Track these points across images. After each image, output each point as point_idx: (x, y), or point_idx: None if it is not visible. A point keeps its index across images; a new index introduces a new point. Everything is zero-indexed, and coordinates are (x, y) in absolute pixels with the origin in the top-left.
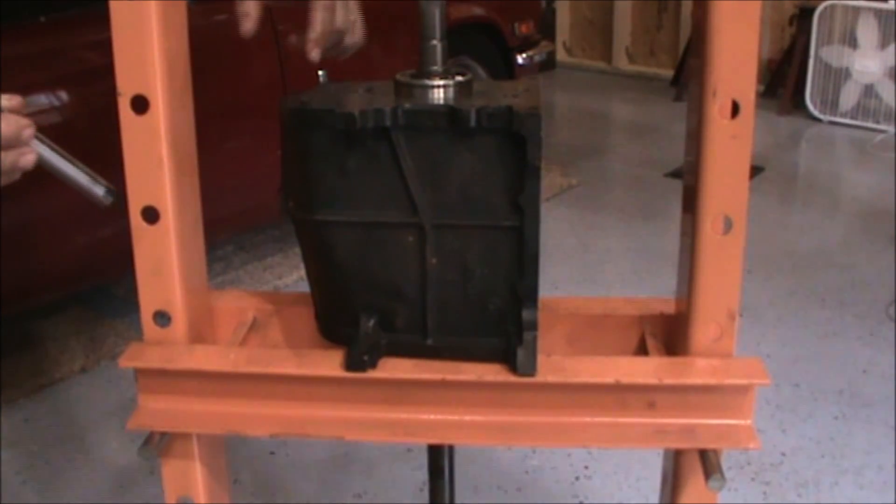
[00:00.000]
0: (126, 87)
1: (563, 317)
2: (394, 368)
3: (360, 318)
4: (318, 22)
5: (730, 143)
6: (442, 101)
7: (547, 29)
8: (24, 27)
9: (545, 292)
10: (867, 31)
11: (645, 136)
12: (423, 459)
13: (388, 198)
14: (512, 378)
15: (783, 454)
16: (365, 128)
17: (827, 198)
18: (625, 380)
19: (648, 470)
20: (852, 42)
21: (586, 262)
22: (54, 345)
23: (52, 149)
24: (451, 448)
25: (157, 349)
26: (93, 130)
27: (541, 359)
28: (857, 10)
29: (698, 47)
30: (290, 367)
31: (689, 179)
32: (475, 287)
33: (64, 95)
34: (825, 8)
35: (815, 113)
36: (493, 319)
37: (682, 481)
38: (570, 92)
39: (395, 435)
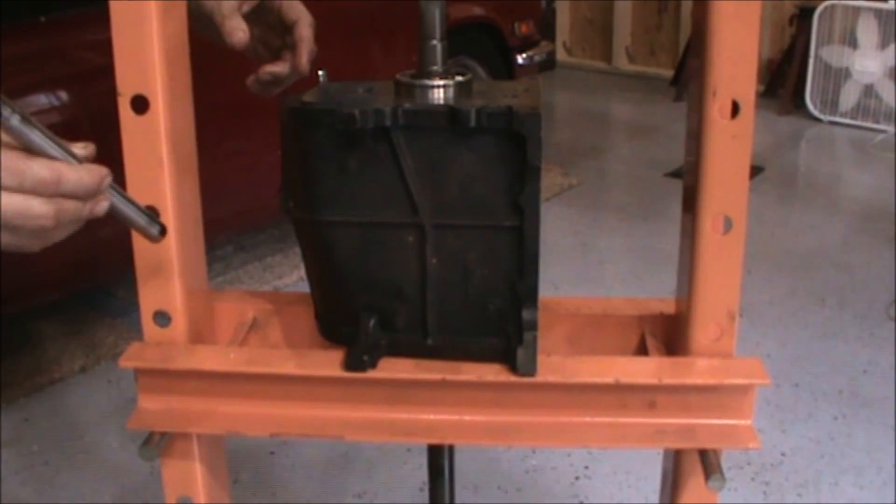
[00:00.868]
0: (126, 87)
1: (563, 317)
2: (394, 368)
3: (360, 318)
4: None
5: (730, 143)
6: (442, 101)
7: (547, 29)
8: (24, 27)
9: (545, 292)
10: (867, 31)
11: (645, 136)
12: (423, 459)
13: (388, 198)
14: (512, 378)
15: (783, 454)
16: (365, 128)
17: (827, 198)
18: (625, 380)
19: (648, 470)
20: (852, 42)
21: (586, 262)
22: (54, 345)
23: (118, 192)
24: (451, 448)
25: (157, 349)
26: (93, 130)
27: (541, 359)
28: (857, 10)
29: (698, 47)
30: (290, 367)
31: (689, 179)
32: (475, 287)
33: (64, 95)
34: (825, 8)
35: (815, 113)
36: (493, 319)
37: (682, 481)
38: (570, 92)
39: (395, 435)
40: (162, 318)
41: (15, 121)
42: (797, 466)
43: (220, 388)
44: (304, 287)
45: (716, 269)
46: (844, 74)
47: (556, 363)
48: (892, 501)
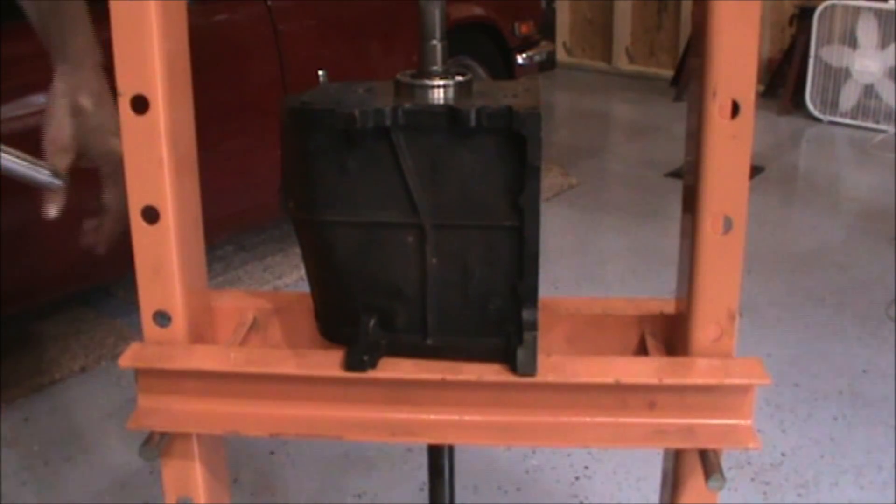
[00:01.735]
0: (126, 87)
1: (563, 317)
2: (394, 368)
3: (360, 318)
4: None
5: (730, 143)
6: (442, 101)
7: (547, 29)
8: (25, 27)
9: (545, 292)
10: (867, 31)
11: (645, 136)
12: (423, 459)
13: (388, 198)
14: (512, 378)
15: (783, 454)
16: (365, 128)
17: (827, 198)
18: (625, 380)
19: (648, 470)
20: (852, 42)
21: (586, 262)
22: (54, 345)
23: (7, 151)
24: (451, 448)
25: (157, 349)
26: None
27: (541, 359)
28: (857, 10)
29: (698, 47)
30: (290, 367)
31: (689, 179)
32: (475, 287)
33: None
34: (825, 8)
35: (815, 113)
36: (493, 319)
37: (682, 481)
38: (570, 92)
39: (395, 435)
40: (162, 318)
41: None
42: (797, 466)
43: (220, 388)
44: (304, 287)
45: (716, 269)
46: (844, 74)
47: (556, 363)
48: (892, 501)
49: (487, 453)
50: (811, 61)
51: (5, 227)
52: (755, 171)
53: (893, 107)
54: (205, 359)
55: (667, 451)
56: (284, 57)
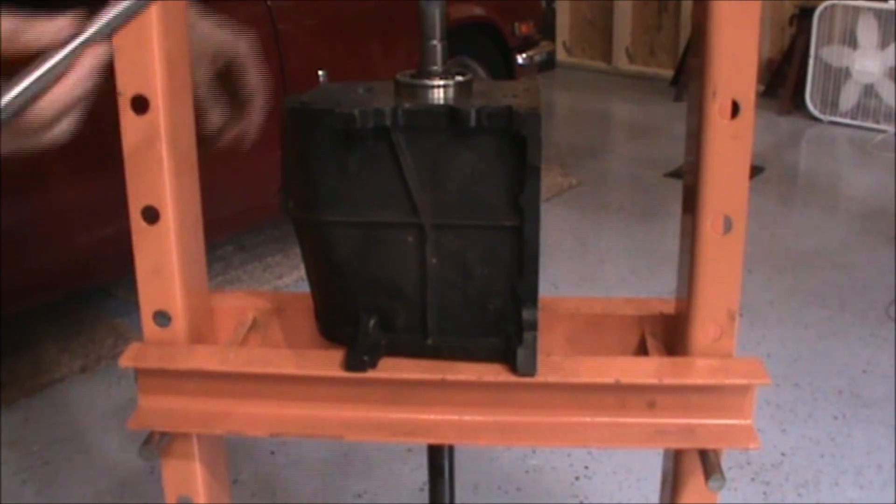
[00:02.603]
0: (126, 87)
1: (563, 317)
2: (394, 368)
3: (360, 318)
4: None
5: (730, 143)
6: (442, 101)
7: (547, 29)
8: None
9: (545, 292)
10: (867, 31)
11: (645, 136)
12: (423, 459)
13: (388, 198)
14: (512, 378)
15: (783, 454)
16: (365, 128)
17: (827, 198)
18: (625, 380)
19: (648, 470)
20: (852, 42)
21: (586, 262)
22: (54, 345)
23: None
24: (451, 448)
25: (157, 349)
26: (93, 130)
27: (541, 359)
28: (857, 10)
29: (698, 47)
30: (290, 367)
31: (689, 179)
32: (475, 287)
33: None
34: (825, 8)
35: (815, 113)
36: (493, 319)
37: (682, 481)
38: (570, 92)
39: (395, 435)
40: (162, 318)
41: None
42: (797, 466)
43: (220, 388)
44: (304, 287)
45: (716, 269)
46: (844, 74)
47: (556, 363)
48: (892, 501)
49: (487, 453)
50: (811, 61)
51: (5, 227)
52: (755, 171)
53: (893, 107)
54: (205, 359)
55: (667, 451)
56: (284, 57)
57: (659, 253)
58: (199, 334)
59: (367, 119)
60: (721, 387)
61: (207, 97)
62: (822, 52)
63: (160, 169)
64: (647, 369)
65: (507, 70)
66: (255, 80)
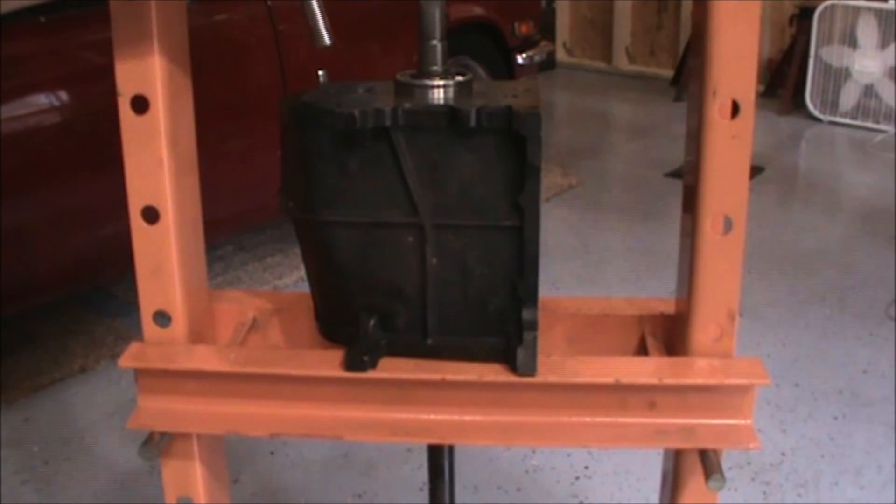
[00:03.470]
0: (126, 87)
1: (563, 317)
2: (394, 368)
3: (360, 318)
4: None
5: (730, 143)
6: (442, 101)
7: (547, 29)
8: (24, 27)
9: (545, 292)
10: (867, 31)
11: (645, 136)
12: (423, 459)
13: (388, 198)
14: (512, 378)
15: (783, 454)
16: (365, 128)
17: (827, 198)
18: (625, 380)
19: (648, 470)
20: (852, 42)
21: (586, 262)
22: (54, 345)
23: None
24: (451, 448)
25: (157, 349)
26: (93, 131)
27: (541, 359)
28: (857, 10)
29: (698, 47)
30: (290, 367)
31: (689, 179)
32: (475, 287)
33: (64, 95)
34: (825, 8)
35: (815, 113)
36: (493, 319)
37: (682, 481)
38: (570, 92)
39: (395, 435)
40: (162, 318)
41: None
42: (797, 466)
43: (220, 388)
44: (304, 287)
45: (716, 269)
46: (844, 74)
47: (556, 363)
48: (892, 501)
49: (487, 453)
50: (811, 61)
51: (5, 227)
52: (755, 171)
53: (893, 107)
54: (205, 359)
55: (667, 451)
56: (284, 57)
57: (659, 253)
58: (199, 334)
59: (367, 119)
60: (721, 387)
61: None
62: (822, 52)
63: (160, 169)
64: (647, 369)
65: (507, 70)
66: None
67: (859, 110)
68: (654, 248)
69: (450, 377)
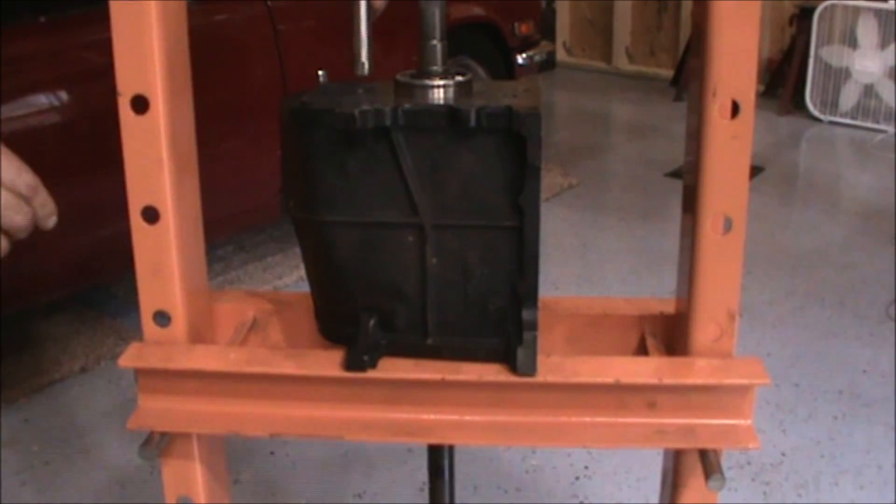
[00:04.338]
0: (126, 87)
1: (563, 317)
2: (394, 368)
3: (360, 318)
4: None
5: (730, 143)
6: (442, 101)
7: (547, 29)
8: (24, 27)
9: (545, 292)
10: (867, 31)
11: (645, 136)
12: (423, 459)
13: (388, 198)
14: (512, 378)
15: (783, 454)
16: (365, 128)
17: (827, 198)
18: (625, 380)
19: (648, 470)
20: (852, 42)
21: (586, 262)
22: (54, 345)
23: None
24: (451, 448)
25: (157, 349)
26: (93, 131)
27: (541, 359)
28: (857, 10)
29: (698, 47)
30: (290, 367)
31: (689, 179)
32: (475, 287)
33: (64, 95)
34: (825, 8)
35: (815, 113)
36: (493, 319)
37: (682, 481)
38: (570, 92)
39: (395, 435)
40: (162, 318)
41: None
42: (797, 466)
43: (220, 388)
44: (304, 287)
45: (716, 269)
46: (844, 74)
47: (556, 363)
48: (892, 501)
49: (487, 453)
50: (811, 61)
51: None
52: (755, 171)
53: (893, 107)
54: (205, 359)
55: (667, 451)
56: (284, 57)
57: (659, 253)
58: (199, 334)
59: (367, 119)
60: (721, 387)
61: None
62: (822, 52)
63: (160, 169)
64: (647, 369)
65: (507, 70)
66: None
67: (859, 110)
68: (654, 248)
69: (450, 377)
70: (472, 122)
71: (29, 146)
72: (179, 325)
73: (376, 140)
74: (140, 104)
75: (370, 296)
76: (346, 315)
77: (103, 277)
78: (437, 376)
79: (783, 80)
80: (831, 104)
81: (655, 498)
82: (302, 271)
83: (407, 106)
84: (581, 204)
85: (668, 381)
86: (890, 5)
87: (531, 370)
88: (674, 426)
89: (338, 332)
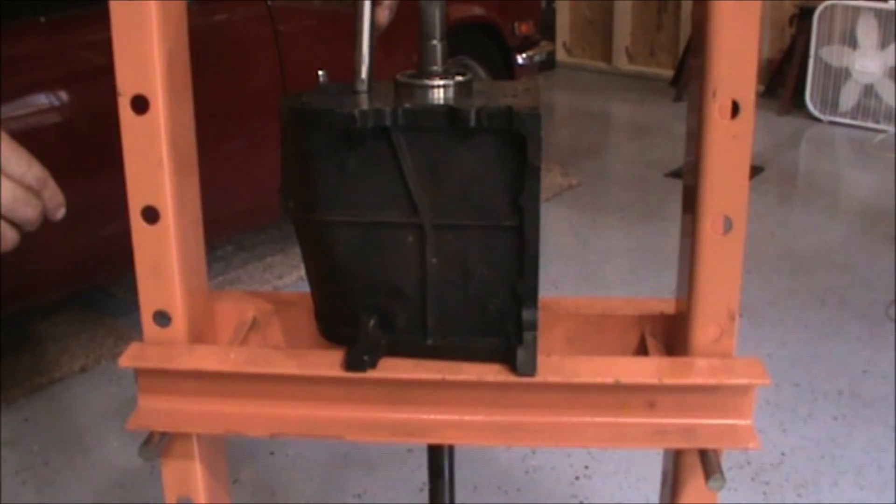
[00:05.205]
0: (126, 87)
1: (563, 317)
2: (394, 368)
3: (360, 318)
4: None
5: (730, 143)
6: (442, 101)
7: (547, 29)
8: (24, 27)
9: (545, 292)
10: (867, 31)
11: (645, 136)
12: (423, 459)
13: (388, 198)
14: (512, 378)
15: (783, 454)
16: (365, 128)
17: (827, 198)
18: (625, 380)
19: (648, 470)
20: (852, 42)
21: (586, 262)
22: (54, 345)
23: None
24: (451, 448)
25: (157, 349)
26: (93, 131)
27: (541, 359)
28: (857, 10)
29: (698, 47)
30: (290, 367)
31: (689, 179)
32: (475, 287)
33: (64, 95)
34: (825, 8)
35: (815, 113)
36: (493, 319)
37: (682, 481)
38: (570, 92)
39: (395, 435)
40: (162, 318)
41: None
42: (797, 466)
43: (220, 388)
44: (304, 287)
45: (716, 269)
46: (844, 74)
47: (556, 363)
48: (892, 501)
49: (487, 453)
50: (811, 61)
51: None
52: (755, 171)
53: (893, 107)
54: (205, 359)
55: (667, 451)
56: (284, 57)
57: (659, 253)
58: (199, 334)
59: (367, 119)
60: (721, 387)
61: None
62: (822, 52)
63: (160, 169)
64: (647, 369)
65: (507, 70)
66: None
67: (859, 110)
68: (654, 248)
69: (450, 377)
70: (472, 122)
71: (29, 146)
72: (179, 325)
73: (376, 140)
74: (140, 104)
75: (370, 296)
76: (346, 315)
77: (103, 277)
78: (437, 376)
79: (783, 80)
80: (831, 104)
81: (655, 498)
82: (302, 271)
83: (407, 106)
84: (581, 204)
85: (668, 381)
86: (890, 5)
87: (531, 370)
88: (674, 426)
89: (338, 332)
